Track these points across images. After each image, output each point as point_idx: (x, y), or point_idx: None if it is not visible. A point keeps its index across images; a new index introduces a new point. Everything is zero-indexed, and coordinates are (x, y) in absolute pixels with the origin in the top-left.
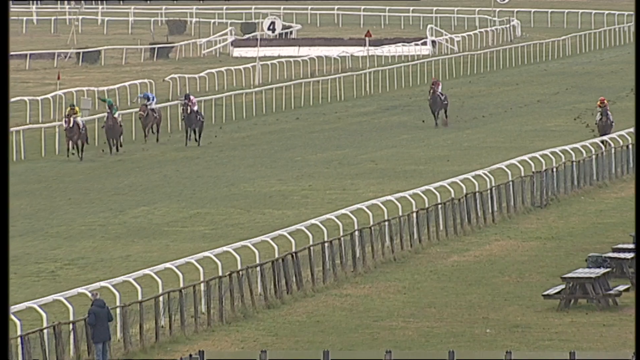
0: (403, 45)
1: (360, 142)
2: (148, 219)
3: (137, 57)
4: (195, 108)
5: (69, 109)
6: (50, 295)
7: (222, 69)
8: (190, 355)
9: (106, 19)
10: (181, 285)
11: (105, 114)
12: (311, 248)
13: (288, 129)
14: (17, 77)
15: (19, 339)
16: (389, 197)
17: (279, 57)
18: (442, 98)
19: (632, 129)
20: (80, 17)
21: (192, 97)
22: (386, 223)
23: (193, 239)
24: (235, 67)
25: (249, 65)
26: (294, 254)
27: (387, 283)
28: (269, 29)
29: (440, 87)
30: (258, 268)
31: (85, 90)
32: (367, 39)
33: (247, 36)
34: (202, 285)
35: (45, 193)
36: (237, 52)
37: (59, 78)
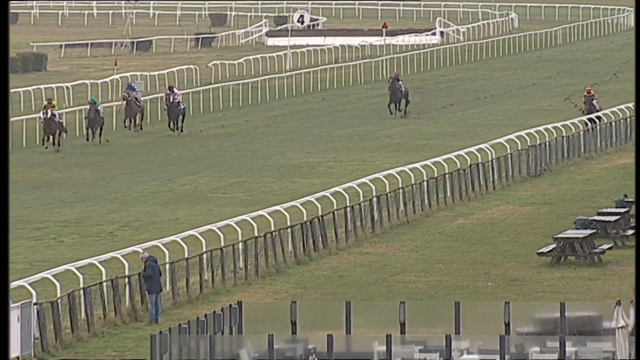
0: (415, 35)
1: (378, 120)
2: (193, 186)
3: (183, 45)
4: (178, 99)
5: (46, 102)
6: (108, 252)
7: (258, 56)
8: (230, 305)
9: (157, 12)
10: (222, 244)
11: (87, 107)
12: (335, 212)
13: (315, 108)
14: (79, 64)
15: (81, 291)
16: (402, 168)
17: (307, 45)
18: (403, 90)
19: (615, 108)
20: (135, 11)
21: (175, 90)
22: (400, 190)
23: (232, 204)
24: (269, 54)
25: (280, 53)
26: (320, 217)
27: (401, 243)
28: (298, 21)
29: (400, 80)
30: (289, 229)
31: (138, 74)
32: (383, 30)
33: (279, 27)
34: (240, 244)
35: (104, 164)
36: (271, 41)
37: (116, 64)
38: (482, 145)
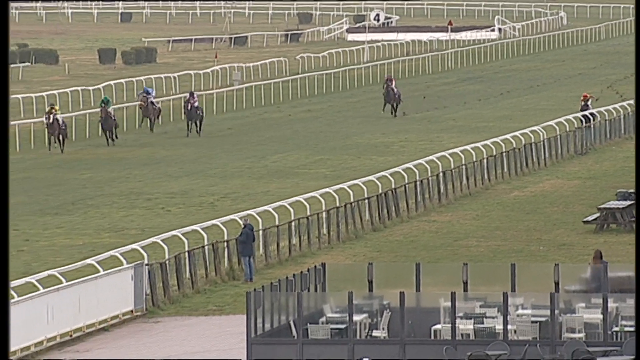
0: (476, 31)
1: (444, 105)
2: (283, 163)
3: (274, 40)
4: (196, 104)
5: (49, 107)
6: (209, 220)
7: (339, 49)
8: (315, 266)
9: (252, 11)
10: (308, 213)
11: (100, 109)
12: (406, 185)
13: None
14: (184, 56)
15: (186, 254)
16: (465, 147)
17: (382, 40)
18: (395, 92)
19: None
20: (232, 10)
21: (194, 95)
22: (463, 167)
23: (317, 179)
24: (349, 48)
25: (359, 47)
26: (393, 190)
27: (464, 212)
28: (374, 19)
29: (394, 83)
30: (366, 201)
31: (235, 66)
32: (449, 26)
33: (358, 25)
34: (324, 213)
35: (206, 144)
36: (351, 37)
37: (216, 57)
38: (535, 127)
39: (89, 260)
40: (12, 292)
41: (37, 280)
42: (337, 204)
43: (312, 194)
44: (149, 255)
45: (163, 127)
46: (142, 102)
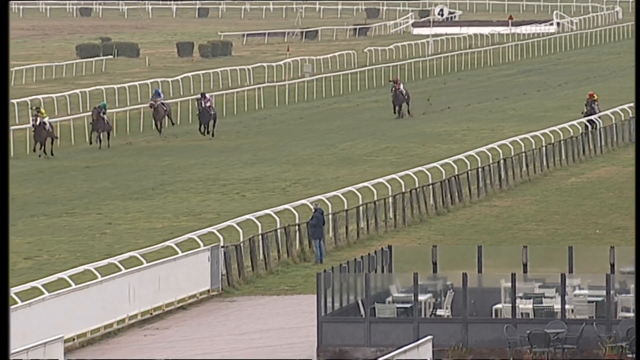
0: (536, 25)
1: (504, 96)
2: (351, 150)
3: (343, 34)
4: (209, 104)
5: (35, 111)
6: (282, 205)
7: (405, 43)
8: (382, 249)
9: (322, 7)
10: (375, 198)
11: (91, 112)
12: (469, 172)
13: (453, 86)
14: (258, 49)
15: (260, 237)
16: (525, 135)
17: (446, 34)
18: (404, 93)
19: None
20: (304, 6)
21: (207, 95)
22: (523, 154)
23: (383, 165)
24: (414, 41)
25: (424, 41)
26: (456, 176)
27: (523, 197)
28: (438, 14)
29: (401, 85)
30: (430, 186)
31: (306, 58)
32: (509, 21)
33: (423, 19)
34: (390, 198)
35: (278, 132)
36: (416, 31)
37: (288, 50)
38: (592, 117)
39: (168, 243)
40: (95, 272)
41: (119, 262)
42: (403, 190)
43: (379, 180)
44: (225, 237)
45: (238, 116)
46: (152, 103)
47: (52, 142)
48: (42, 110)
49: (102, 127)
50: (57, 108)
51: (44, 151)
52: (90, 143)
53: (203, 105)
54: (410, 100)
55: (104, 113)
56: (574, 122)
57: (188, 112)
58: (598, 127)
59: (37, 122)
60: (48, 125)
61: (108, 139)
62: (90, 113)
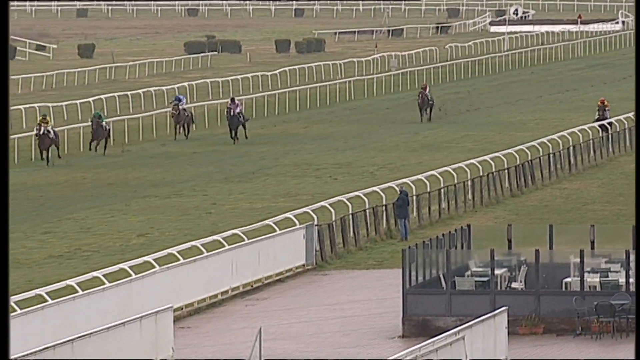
0: (602, 23)
1: (574, 88)
2: (433, 138)
3: (426, 32)
4: (238, 110)
5: (40, 118)
6: (370, 187)
7: (482, 40)
8: (462, 227)
9: (407, 7)
10: (455, 181)
11: (91, 122)
12: (540, 157)
13: (526, 80)
14: (349, 46)
15: (350, 216)
16: (593, 124)
17: (520, 32)
18: (429, 98)
19: None
20: (390, 6)
21: (236, 101)
22: (591, 141)
23: (463, 152)
24: (491, 39)
25: (500, 38)
26: (529, 162)
27: (591, 180)
28: (514, 13)
29: (428, 89)
30: (506, 170)
31: (392, 54)
32: (578, 19)
33: (499, 18)
34: (469, 182)
35: (366, 121)
36: (493, 28)
37: (376, 46)
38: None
39: (267, 221)
40: (201, 248)
41: (223, 238)
42: (481, 174)
43: (459, 164)
44: (318, 217)
45: (330, 107)
46: (173, 110)
47: (57, 149)
48: (48, 118)
49: (101, 135)
50: (167, 100)
51: (48, 158)
52: (90, 150)
53: (233, 111)
54: (434, 106)
55: (102, 121)
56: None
57: (285, 103)
58: (610, 131)
59: (41, 131)
60: (52, 133)
61: (105, 147)
62: (185, 106)
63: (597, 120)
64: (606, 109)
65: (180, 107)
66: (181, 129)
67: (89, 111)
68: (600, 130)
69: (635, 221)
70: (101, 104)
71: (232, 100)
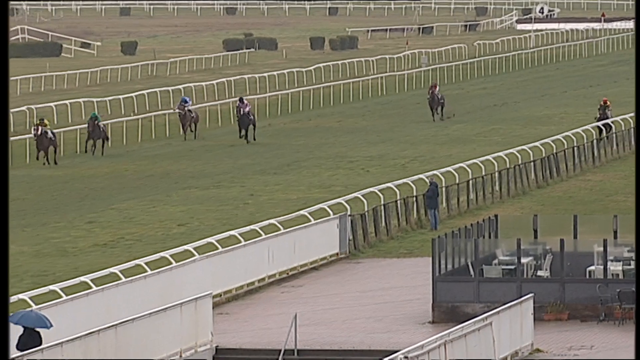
0: (625, 21)
1: (597, 84)
2: (462, 132)
3: (456, 30)
4: (247, 109)
5: (38, 120)
6: (401, 179)
7: (509, 37)
8: (489, 217)
9: (437, 6)
10: (483, 173)
11: (87, 123)
12: (565, 150)
13: (550, 75)
14: (381, 43)
15: (382, 207)
16: (615, 118)
17: (546, 29)
18: (439, 97)
19: None
20: (421, 5)
21: (245, 100)
22: (614, 134)
23: (490, 145)
24: (518, 36)
25: (526, 35)
26: (554, 154)
27: (614, 172)
28: (539, 11)
29: (437, 89)
30: (532, 163)
31: (423, 51)
32: (602, 17)
33: (525, 16)
34: (496, 173)
35: (398, 116)
36: (520, 26)
37: (407, 44)
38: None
39: (302, 212)
40: (239, 237)
41: (259, 228)
42: (507, 166)
43: (487, 157)
44: (351, 207)
45: (363, 102)
46: (180, 110)
47: (55, 151)
48: (46, 121)
49: (98, 135)
50: (206, 95)
51: (47, 159)
52: (86, 151)
53: (242, 111)
54: (445, 104)
55: (98, 122)
56: None
57: (320, 98)
58: (612, 131)
59: (39, 132)
60: (50, 134)
61: (103, 146)
62: (230, 101)
63: (599, 119)
64: (607, 108)
65: (186, 108)
66: (187, 129)
67: (132, 106)
68: (600, 130)
69: (635, 220)
70: (143, 99)
71: (241, 99)
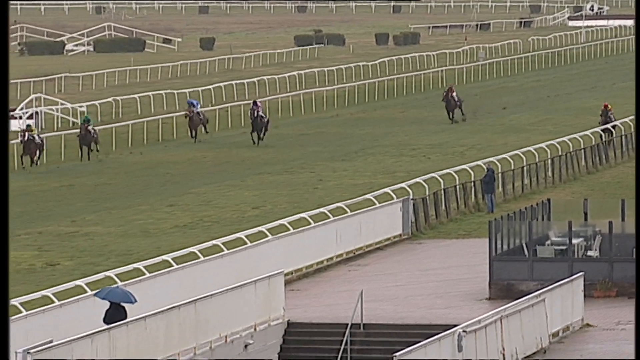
0: None
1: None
2: (517, 121)
3: (511, 26)
4: (261, 112)
5: (25, 128)
6: (459, 165)
7: (562, 33)
8: (542, 201)
9: (494, 4)
10: (536, 160)
11: (79, 127)
12: (614, 139)
13: (600, 69)
14: (441, 39)
15: (442, 191)
16: (597, 129)
17: (596, 26)
18: (456, 100)
19: None
20: (479, 3)
21: (258, 103)
22: None
23: (543, 134)
24: (569, 32)
25: (577, 31)
26: (604, 142)
27: None
28: (590, 9)
29: (454, 92)
30: (582, 150)
31: (480, 46)
32: None
33: (577, 14)
34: (548, 160)
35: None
36: (571, 23)
37: (465, 39)
38: (607, 125)
39: (367, 196)
40: (309, 219)
41: (328, 211)
42: (559, 153)
43: (540, 145)
44: (414, 191)
45: (425, 94)
46: (187, 112)
47: (38, 155)
48: (33, 128)
49: (89, 139)
50: (279, 87)
51: (31, 163)
52: (81, 159)
53: (256, 113)
54: (463, 105)
55: (89, 126)
56: None
57: (384, 90)
58: (614, 135)
59: (26, 137)
60: (37, 138)
61: (97, 150)
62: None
63: (604, 124)
64: (609, 113)
65: (194, 111)
66: (195, 131)
67: (209, 97)
68: (602, 134)
69: (635, 220)
70: (220, 91)
71: (255, 102)
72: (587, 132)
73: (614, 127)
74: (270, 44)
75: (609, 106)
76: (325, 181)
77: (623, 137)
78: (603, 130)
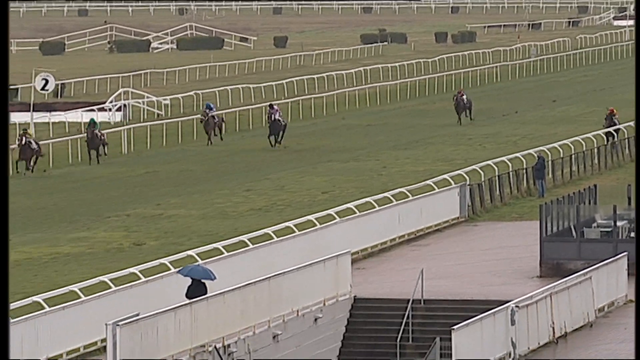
0: None
1: None
2: (567, 113)
3: (560, 25)
4: (277, 116)
5: (22, 132)
6: (513, 153)
7: (607, 32)
8: (589, 187)
9: (545, 5)
10: (584, 148)
11: (86, 131)
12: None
13: None
14: (496, 37)
15: (497, 177)
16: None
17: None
18: (465, 102)
19: None
20: (531, 4)
21: (275, 106)
22: None
23: (590, 124)
24: (614, 31)
25: (622, 30)
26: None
27: None
28: (633, 9)
29: (464, 95)
30: (626, 140)
31: (532, 44)
32: None
33: (621, 14)
34: (595, 149)
35: (511, 100)
36: (616, 22)
37: (518, 37)
38: (610, 129)
39: (428, 181)
40: (374, 203)
41: (391, 195)
42: (605, 142)
43: (587, 135)
44: (470, 178)
45: (481, 88)
46: (202, 116)
47: (35, 160)
48: (29, 132)
49: (97, 143)
50: (346, 81)
51: (26, 167)
52: (90, 158)
53: (273, 116)
54: (473, 107)
55: (95, 130)
56: None
57: (443, 84)
58: (617, 139)
59: (23, 142)
60: (34, 144)
61: (105, 153)
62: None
63: (609, 127)
64: (614, 117)
65: (209, 114)
66: (212, 133)
67: (282, 91)
68: (606, 137)
69: (635, 219)
70: (292, 86)
71: (271, 105)
72: (630, 123)
73: (617, 130)
74: (339, 42)
75: (615, 111)
76: (389, 168)
77: None
78: (606, 134)
